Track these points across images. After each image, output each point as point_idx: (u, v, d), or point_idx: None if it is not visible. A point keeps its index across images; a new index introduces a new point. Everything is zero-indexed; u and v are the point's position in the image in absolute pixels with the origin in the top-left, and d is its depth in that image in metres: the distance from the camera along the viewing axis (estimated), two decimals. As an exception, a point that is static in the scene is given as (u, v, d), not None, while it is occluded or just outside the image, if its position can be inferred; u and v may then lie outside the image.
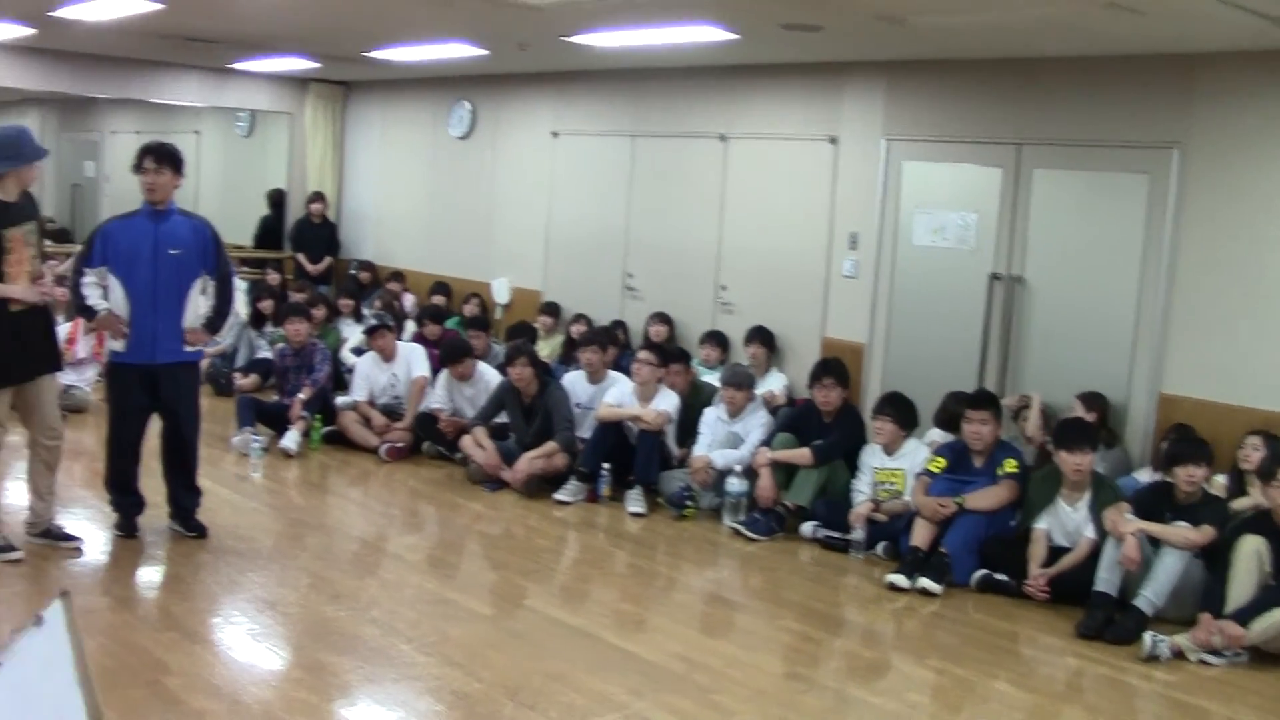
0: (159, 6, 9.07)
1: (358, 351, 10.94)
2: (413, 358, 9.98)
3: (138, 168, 6.79)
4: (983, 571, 7.08)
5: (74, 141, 17.76)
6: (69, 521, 7.00)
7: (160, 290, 6.78)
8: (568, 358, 10.94)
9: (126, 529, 7.07)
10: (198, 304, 6.98)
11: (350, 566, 6.91)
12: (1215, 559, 6.39)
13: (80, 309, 6.87)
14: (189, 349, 6.99)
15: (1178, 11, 6.69)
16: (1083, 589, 6.56)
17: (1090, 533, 6.84)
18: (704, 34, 8.71)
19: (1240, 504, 6.99)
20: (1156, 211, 8.27)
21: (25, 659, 2.93)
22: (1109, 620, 6.35)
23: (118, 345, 6.84)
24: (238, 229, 15.53)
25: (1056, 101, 8.75)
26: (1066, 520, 7.01)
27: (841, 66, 9.99)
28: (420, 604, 6.28)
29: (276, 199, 15.75)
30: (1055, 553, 6.96)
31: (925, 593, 6.90)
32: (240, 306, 12.29)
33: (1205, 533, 6.45)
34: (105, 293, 6.76)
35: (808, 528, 7.96)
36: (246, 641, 5.67)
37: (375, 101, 15.13)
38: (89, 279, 6.75)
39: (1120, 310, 8.45)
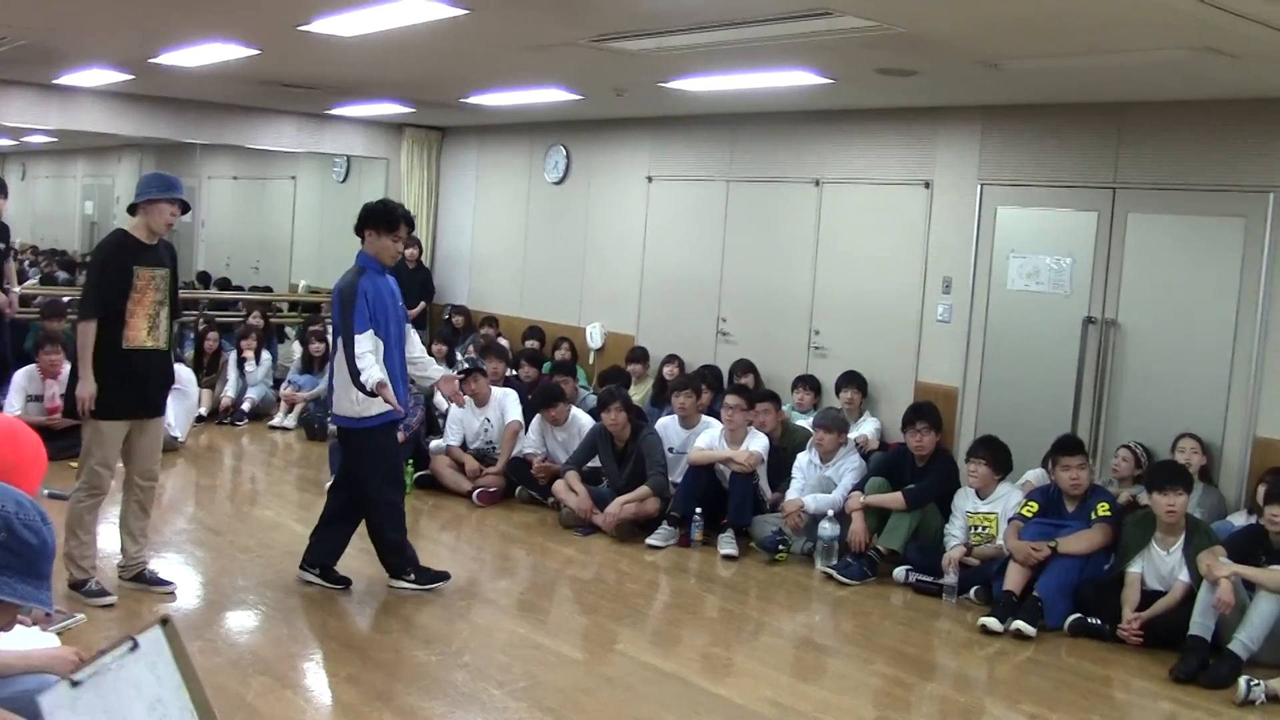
0: (254, 53, 9.26)
1: (451, 396, 11.04)
2: (506, 402, 10.01)
3: (394, 230, 7.11)
4: (1076, 615, 7.04)
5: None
6: (161, 565, 7.07)
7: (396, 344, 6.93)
8: (659, 400, 11.00)
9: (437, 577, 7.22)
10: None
11: (441, 611, 6.92)
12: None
13: (355, 377, 6.57)
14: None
15: (1274, 56, 6.64)
16: (1177, 633, 6.53)
17: (1184, 577, 6.79)
18: (799, 79, 8.78)
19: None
20: (1252, 255, 8.19)
21: (115, 682, 2.89)
22: (1203, 665, 6.30)
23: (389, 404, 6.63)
24: (333, 274, 15.56)
25: (1152, 146, 8.71)
26: (1160, 564, 6.97)
27: (936, 111, 10.01)
28: (511, 648, 6.32)
29: (372, 244, 15.78)
30: (1149, 597, 6.92)
31: (1019, 636, 6.87)
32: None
33: (1301, 577, 6.38)
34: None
35: (900, 572, 7.96)
36: (338, 685, 5.73)
37: (470, 146, 15.28)
38: (366, 346, 6.65)
39: (1215, 354, 8.36)
